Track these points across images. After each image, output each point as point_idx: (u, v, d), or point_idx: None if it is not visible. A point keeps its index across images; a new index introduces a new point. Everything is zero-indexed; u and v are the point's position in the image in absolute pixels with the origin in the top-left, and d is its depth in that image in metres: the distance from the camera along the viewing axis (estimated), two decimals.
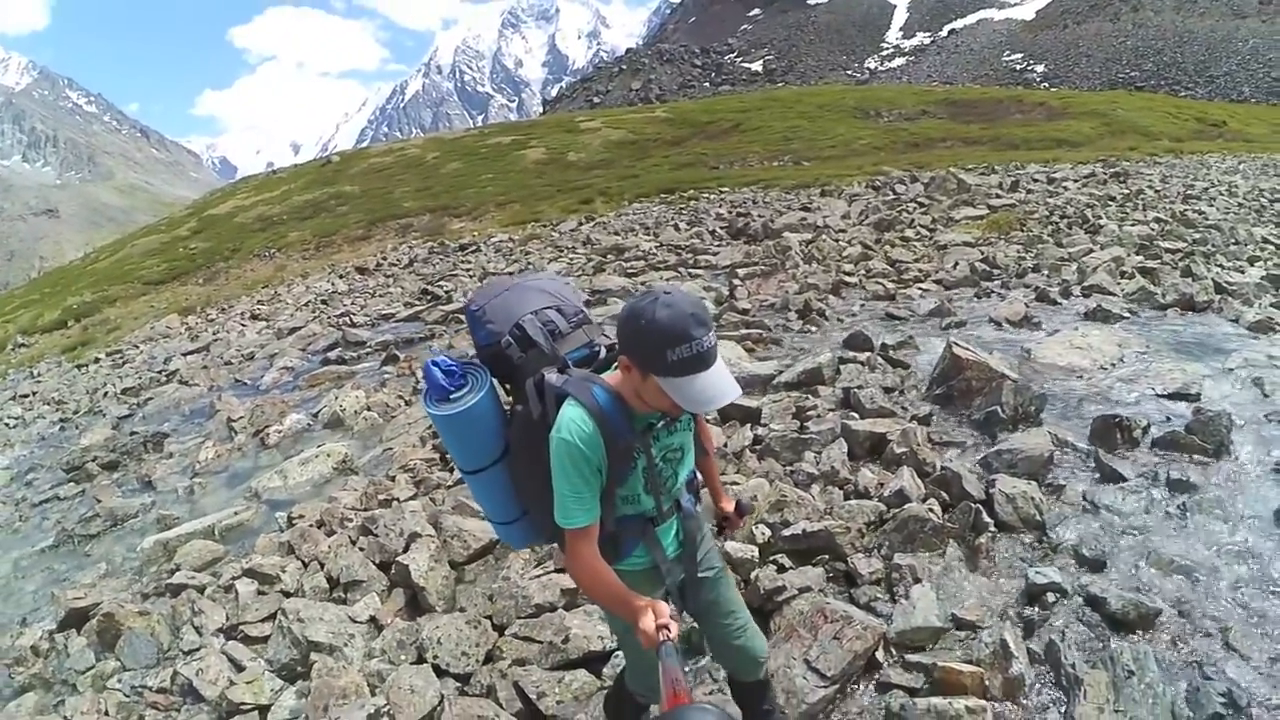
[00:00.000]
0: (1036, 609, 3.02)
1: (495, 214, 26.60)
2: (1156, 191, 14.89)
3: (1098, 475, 3.86)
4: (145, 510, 6.43)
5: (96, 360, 16.30)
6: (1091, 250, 9.31)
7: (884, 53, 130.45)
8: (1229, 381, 5.00)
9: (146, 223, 73.97)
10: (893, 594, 3.20)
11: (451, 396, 1.97)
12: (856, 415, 4.82)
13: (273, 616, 3.85)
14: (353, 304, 14.56)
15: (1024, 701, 2.66)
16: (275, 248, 28.68)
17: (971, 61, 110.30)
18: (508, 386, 2.09)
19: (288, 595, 4.13)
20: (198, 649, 3.74)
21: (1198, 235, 10.14)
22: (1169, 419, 4.37)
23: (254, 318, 16.20)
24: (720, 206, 19.01)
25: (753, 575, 3.34)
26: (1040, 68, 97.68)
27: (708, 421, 2.68)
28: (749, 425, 4.98)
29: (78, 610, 4.33)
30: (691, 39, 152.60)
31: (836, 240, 11.73)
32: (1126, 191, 14.87)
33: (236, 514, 5.76)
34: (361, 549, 4.38)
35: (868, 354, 6.02)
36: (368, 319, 12.36)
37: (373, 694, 3.08)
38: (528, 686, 2.93)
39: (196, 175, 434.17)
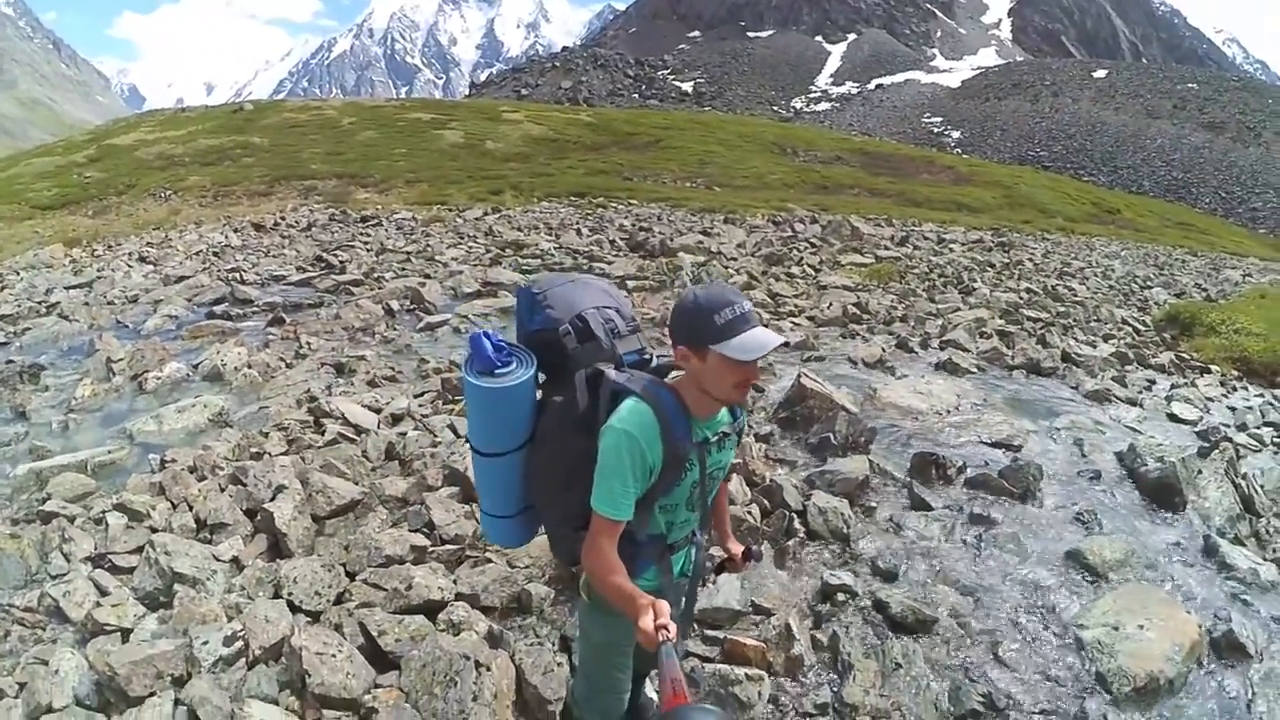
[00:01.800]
0: (828, 605, 3.59)
1: (403, 190, 26.33)
2: (1035, 264, 16.23)
3: (908, 503, 4.47)
4: (18, 439, 6.38)
5: None
6: (959, 309, 10.14)
7: (811, 95, 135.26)
8: (1052, 439, 5.64)
9: (43, 141, 68.33)
10: (704, 580, 3.51)
11: (497, 371, 1.99)
12: None
13: (140, 549, 4.06)
14: (244, 260, 14.32)
15: (802, 679, 3.19)
16: (173, 190, 27.56)
17: (893, 117, 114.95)
18: (543, 376, 2.10)
19: (155, 531, 4.33)
20: (65, 574, 3.91)
21: (1062, 309, 11.15)
22: (986, 463, 4.99)
23: (142, 260, 15.60)
24: (626, 218, 19.49)
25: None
26: (956, 134, 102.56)
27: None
28: None
29: None
30: (628, 48, 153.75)
31: (726, 267, 12.43)
32: (1007, 260, 16.17)
33: (110, 453, 5.83)
34: (230, 495, 4.62)
35: None
36: (258, 278, 12.24)
37: (229, 621, 3.38)
38: (370, 625, 3.27)
39: (103, 100, 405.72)
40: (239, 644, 3.16)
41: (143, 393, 7.31)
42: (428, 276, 11.77)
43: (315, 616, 3.44)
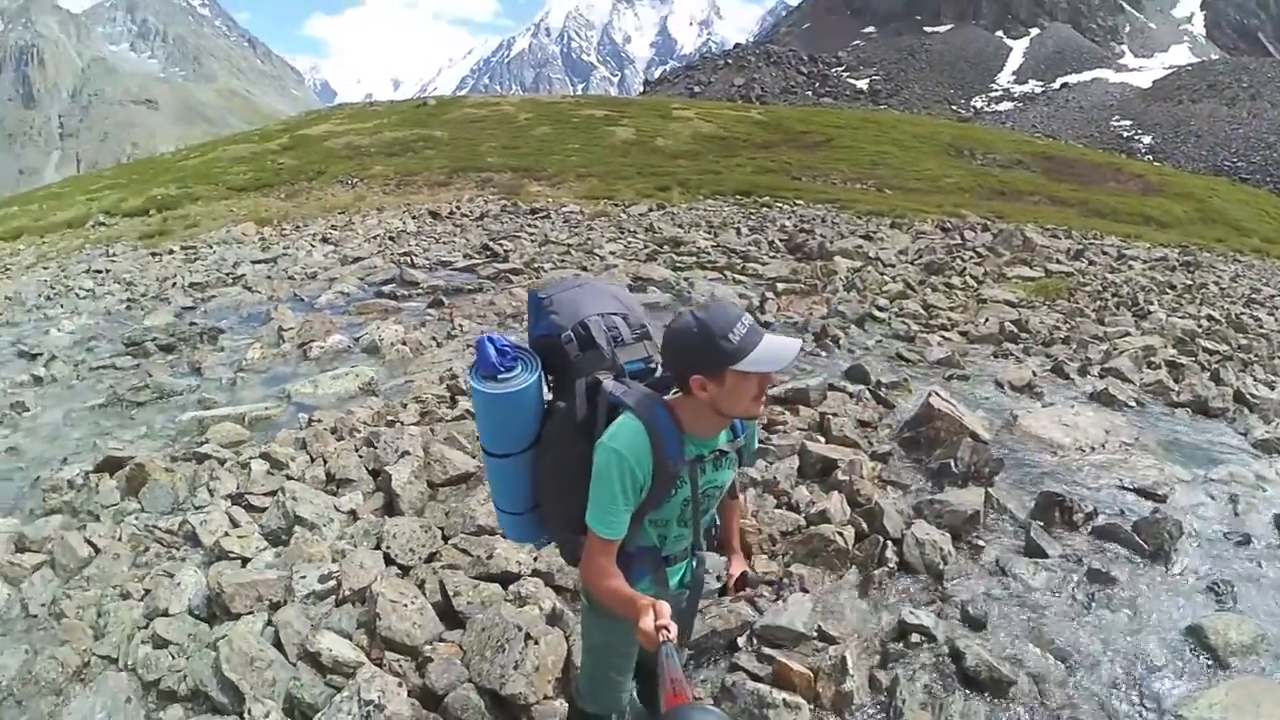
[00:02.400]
0: (900, 645, 3.26)
1: (573, 184, 26.76)
2: (1221, 289, 14.56)
3: (1022, 546, 4.01)
4: (190, 391, 7.18)
5: (171, 251, 17.27)
6: (1129, 334, 9.17)
7: (993, 94, 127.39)
8: (1205, 491, 4.91)
9: (240, 130, 75.70)
10: (779, 595, 3.47)
11: (499, 376, 1.99)
12: (822, 439, 5.11)
13: (274, 493, 4.50)
14: (416, 245, 15.15)
15: (848, 717, 2.95)
16: (358, 178, 29.28)
17: (1079, 119, 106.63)
18: (551, 381, 2.10)
19: (290, 479, 4.76)
20: (206, 507, 4.40)
21: (1244, 341, 9.82)
22: (1122, 512, 4.42)
23: (324, 240, 16.92)
24: (788, 219, 19.11)
25: None
26: (1147, 139, 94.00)
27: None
28: None
29: (113, 459, 5.06)
30: (802, 45, 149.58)
31: (882, 274, 11.95)
32: (1190, 282, 14.59)
33: (267, 408, 6.44)
34: (360, 456, 5.03)
35: (861, 387, 6.24)
36: (427, 262, 12.92)
37: (332, 563, 3.72)
38: (449, 585, 3.46)
39: (297, 93, 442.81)
40: (332, 583, 3.48)
41: (306, 359, 7.97)
42: (584, 269, 12.06)
43: (405, 570, 3.68)
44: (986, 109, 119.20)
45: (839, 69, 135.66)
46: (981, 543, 4.02)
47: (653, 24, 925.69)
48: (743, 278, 11.69)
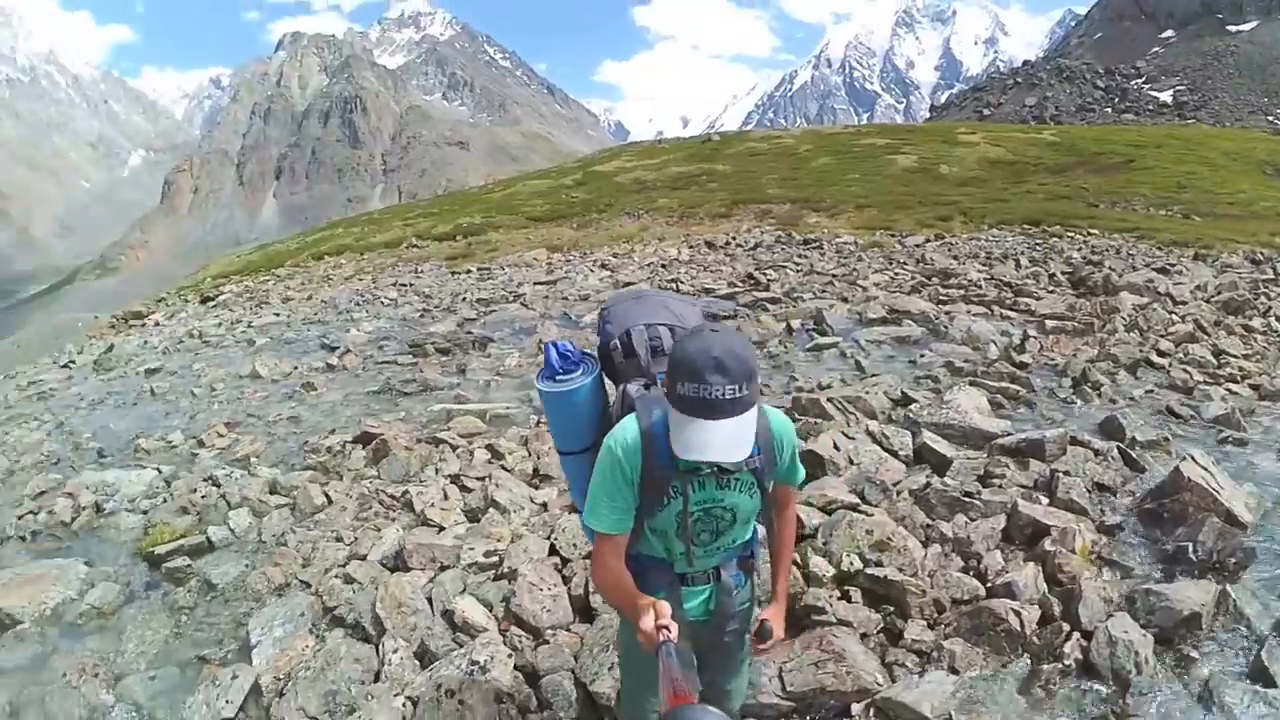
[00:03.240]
0: None
1: (851, 215, 26.34)
2: None
3: (1245, 669, 3.07)
4: (450, 388, 8.16)
5: (468, 271, 19.55)
6: None
7: None
8: None
9: (541, 167, 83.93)
10: (924, 668, 3.13)
11: (557, 377, 2.12)
12: (1043, 500, 4.38)
13: (484, 478, 5.00)
14: (684, 273, 15.79)
15: None
16: (644, 210, 30.84)
17: None
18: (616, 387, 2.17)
19: (503, 469, 5.27)
20: (428, 481, 5.03)
21: None
22: None
23: (602, 266, 18.17)
24: (1077, 250, 17.29)
25: (805, 591, 3.47)
26: None
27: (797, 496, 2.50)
28: (929, 471, 4.86)
29: (368, 433, 6.00)
30: (1095, 57, 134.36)
31: (1170, 313, 10.33)
32: None
33: (507, 408, 7.14)
34: None
35: (1111, 444, 5.19)
36: (691, 289, 13.39)
37: (505, 544, 4.06)
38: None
39: (593, 134, 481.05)
40: (495, 559, 3.83)
41: None
42: (844, 300, 11.83)
43: (565, 561, 3.89)
44: None
45: (1138, 80, 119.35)
46: (1195, 654, 3.17)
47: (935, 46, 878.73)
48: (1011, 313, 10.74)
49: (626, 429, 1.87)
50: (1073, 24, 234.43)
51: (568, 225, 29.77)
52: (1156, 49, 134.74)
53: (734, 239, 21.91)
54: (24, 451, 7.25)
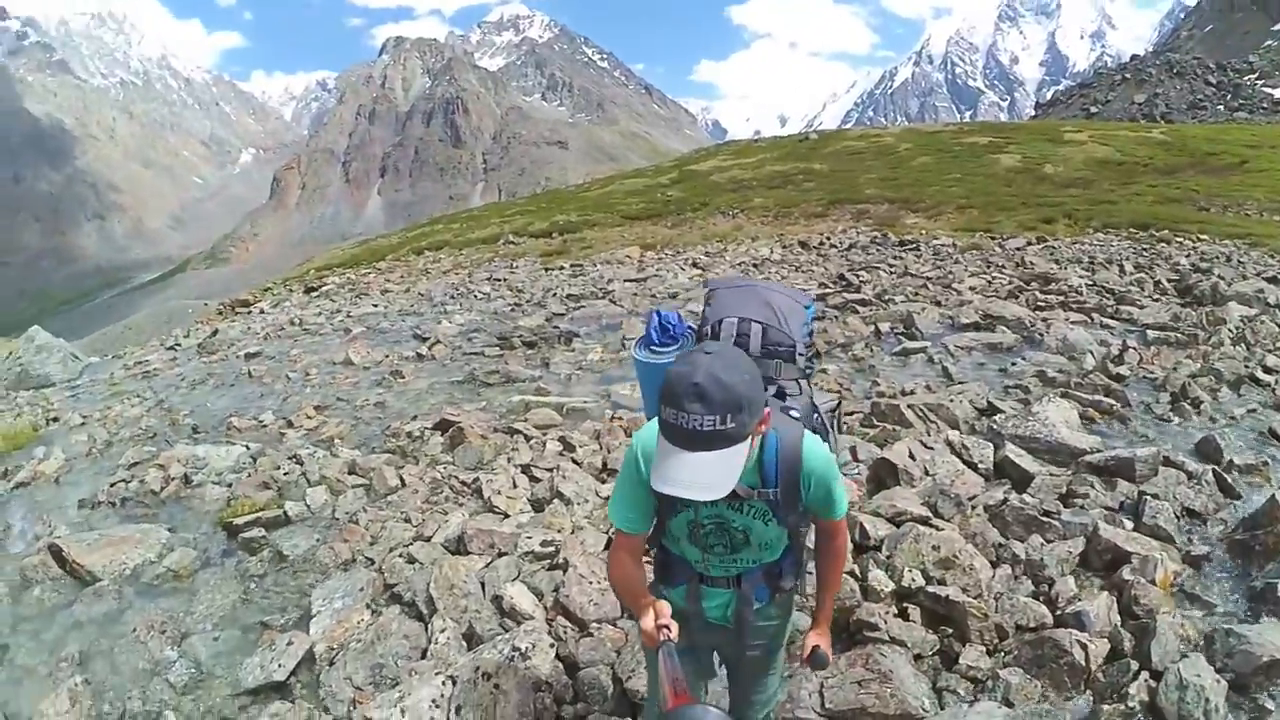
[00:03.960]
0: None
1: (951, 216, 25.48)
2: None
3: None
4: (532, 380, 8.27)
5: (561, 268, 19.78)
6: None
7: None
8: None
9: (639, 166, 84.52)
10: (976, 696, 2.97)
11: (653, 347, 2.12)
12: (1128, 524, 4.07)
13: (553, 469, 5.04)
14: (775, 273, 15.66)
15: None
16: (739, 209, 30.54)
17: None
18: None
19: (573, 462, 5.30)
20: (499, 470, 5.10)
21: None
22: None
23: (694, 265, 18.08)
24: (1186, 256, 16.24)
25: (860, 605, 3.37)
26: None
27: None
28: (1009, 486, 4.58)
29: (447, 420, 6.15)
30: (1206, 51, 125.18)
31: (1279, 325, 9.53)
32: None
33: (585, 402, 7.19)
34: None
35: (1207, 467, 4.77)
36: None
37: (561, 534, 4.08)
38: None
39: (690, 133, 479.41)
40: (551, 549, 3.84)
41: None
42: (937, 303, 11.47)
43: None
44: None
45: (1251, 76, 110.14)
46: (1272, 705, 2.89)
47: (1040, 41, 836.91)
48: (1112, 321, 10.17)
49: (648, 430, 1.85)
50: (1181, 16, 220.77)
51: (662, 224, 29.86)
52: (1271, 42, 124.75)
53: (828, 239, 21.52)
54: (124, 425, 7.71)
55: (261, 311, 18.82)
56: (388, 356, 10.03)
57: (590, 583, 3.45)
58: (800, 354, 2.07)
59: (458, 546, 4.03)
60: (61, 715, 3.19)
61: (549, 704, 2.87)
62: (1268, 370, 7.45)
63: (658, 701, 1.69)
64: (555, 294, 14.90)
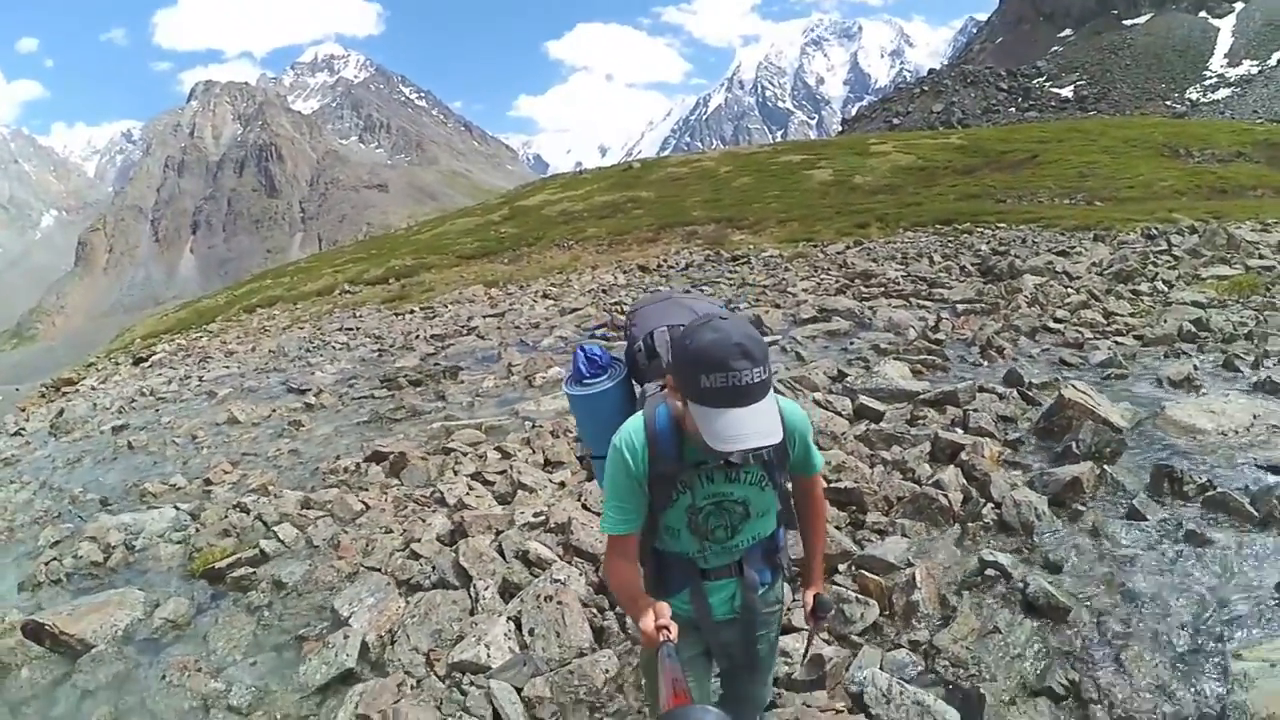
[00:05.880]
0: (979, 578, 3.62)
1: (774, 230, 27.57)
2: None
3: (1124, 513, 4.08)
4: (438, 411, 8.73)
5: (411, 311, 20.02)
6: None
7: (1207, 82, 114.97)
8: None
9: (464, 205, 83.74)
10: (883, 538, 4.11)
11: (584, 381, 2.16)
12: (960, 430, 5.43)
13: (503, 472, 5.73)
14: (626, 296, 16.66)
15: (913, 622, 3.44)
16: (573, 240, 31.65)
17: None
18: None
19: (517, 462, 5.97)
20: (451, 481, 5.67)
21: None
22: (1247, 487, 4.22)
23: (545, 296, 18.98)
24: (986, 243, 18.81)
25: None
26: None
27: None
28: (868, 422, 5.99)
29: (379, 452, 6.60)
30: (998, 60, 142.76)
31: (1066, 287, 11.73)
32: None
33: (500, 420, 7.78)
34: (571, 448, 6.18)
35: (1012, 390, 6.38)
36: None
37: (546, 507, 4.81)
38: None
39: (512, 168, 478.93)
40: (542, 518, 4.56)
41: (531, 387, 9.41)
42: (777, 305, 12.83)
43: (597, 514, 4.54)
44: (1203, 100, 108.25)
45: (1039, 79, 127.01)
46: (1082, 508, 4.17)
47: (843, 62, 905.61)
48: (926, 302, 11.87)
49: (632, 428, 1.89)
50: (974, 30, 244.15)
51: (499, 261, 30.48)
52: (1056, 48, 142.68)
53: (665, 261, 22.97)
54: (17, 510, 7.36)
55: (91, 388, 17.71)
56: (275, 410, 10.10)
57: (591, 527, 4.19)
58: None
59: (454, 538, 4.57)
60: None
61: (595, 613, 3.64)
62: (1057, 320, 9.34)
63: (657, 702, 1.64)
64: (418, 336, 15.29)
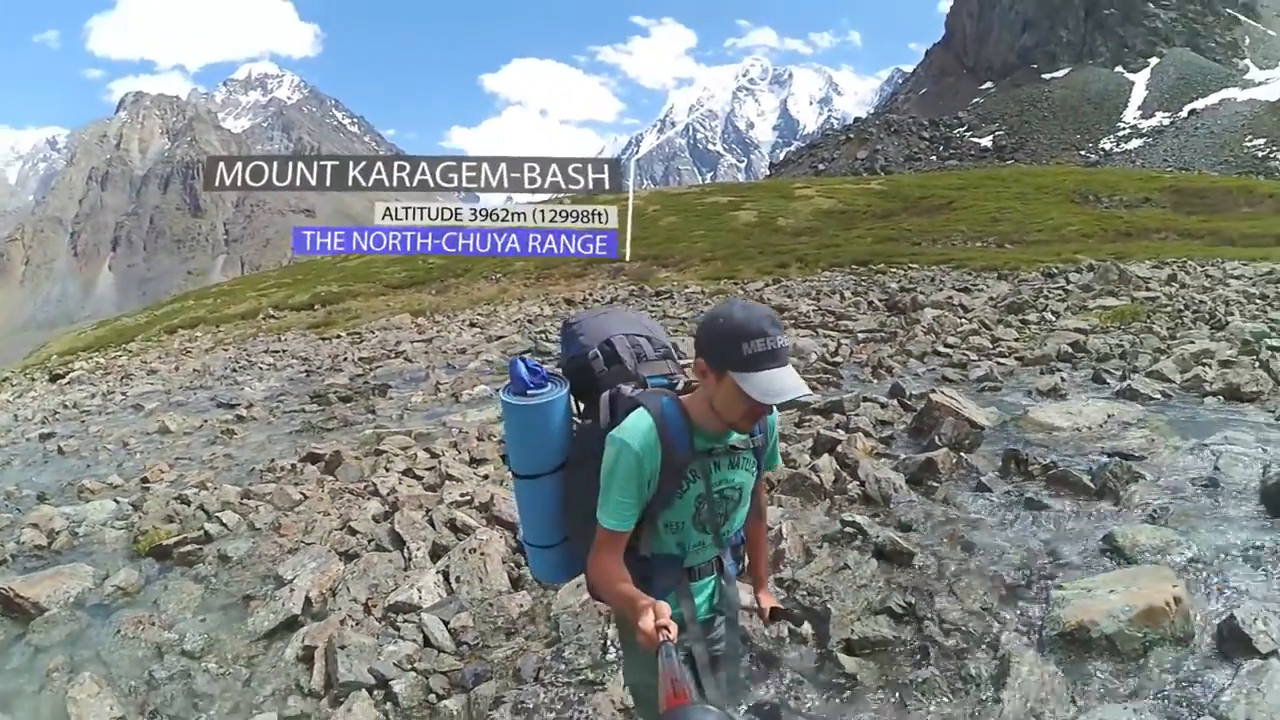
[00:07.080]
0: (840, 535, 4.31)
1: (699, 268, 28.41)
2: None
3: (973, 487, 4.81)
4: (368, 422, 9.20)
5: (339, 336, 20.36)
6: (1192, 344, 8.97)
7: (1120, 133, 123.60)
8: (1192, 453, 5.07)
9: None
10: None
11: (529, 391, 2.03)
12: (842, 431, 6.11)
13: (433, 468, 6.32)
14: (551, 326, 17.26)
15: (780, 566, 3.98)
16: (501, 273, 31.87)
17: (1211, 145, 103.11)
18: (581, 405, 2.13)
19: (444, 462, 6.54)
20: (384, 478, 6.20)
21: None
22: (1090, 469, 4.76)
23: (472, 325, 19.57)
24: (897, 282, 20.01)
25: None
26: None
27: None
28: None
29: (314, 453, 7.10)
30: (921, 110, 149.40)
31: (961, 317, 12.84)
32: None
33: (428, 430, 8.32)
34: (495, 448, 6.80)
35: (894, 400, 7.16)
36: (558, 338, 14.97)
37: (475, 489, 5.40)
38: None
39: (443, 201, 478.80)
40: (468, 497, 5.19)
41: (457, 402, 9.94)
42: (692, 335, 13.70)
43: None
44: (1116, 149, 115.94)
45: (961, 130, 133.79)
46: (936, 485, 4.94)
47: (773, 108, 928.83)
48: (832, 332, 12.77)
49: (638, 424, 1.87)
50: (900, 81, 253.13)
51: (427, 291, 30.68)
52: (977, 99, 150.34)
53: (591, 295, 23.82)
54: None
55: (9, 402, 17.30)
56: (206, 421, 10.27)
57: (512, 502, 4.67)
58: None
59: (387, 518, 5.10)
60: (94, 698, 3.44)
61: (514, 567, 4.25)
62: (948, 346, 10.35)
63: (657, 702, 1.62)
64: (346, 358, 15.67)
